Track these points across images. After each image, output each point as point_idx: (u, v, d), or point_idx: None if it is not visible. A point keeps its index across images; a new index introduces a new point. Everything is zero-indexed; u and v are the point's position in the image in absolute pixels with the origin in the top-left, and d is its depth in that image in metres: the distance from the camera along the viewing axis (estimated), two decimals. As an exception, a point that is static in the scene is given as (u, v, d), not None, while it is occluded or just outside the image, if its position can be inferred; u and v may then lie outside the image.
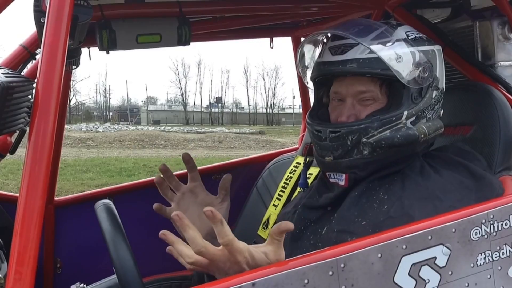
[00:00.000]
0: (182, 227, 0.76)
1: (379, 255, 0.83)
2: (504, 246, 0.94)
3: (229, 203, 1.06)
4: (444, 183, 0.96)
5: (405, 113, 0.96)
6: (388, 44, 0.96)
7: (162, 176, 1.04)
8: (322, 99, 1.10)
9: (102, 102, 50.20)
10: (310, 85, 1.14)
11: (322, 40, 1.09)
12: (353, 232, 0.93)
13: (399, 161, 1.00)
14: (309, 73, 1.14)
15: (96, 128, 22.90)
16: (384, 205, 0.94)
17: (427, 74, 0.98)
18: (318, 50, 1.11)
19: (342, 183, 1.00)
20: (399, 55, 0.95)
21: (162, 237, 0.78)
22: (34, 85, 0.75)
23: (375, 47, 0.94)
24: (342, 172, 0.99)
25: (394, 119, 0.95)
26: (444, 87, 1.05)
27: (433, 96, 1.01)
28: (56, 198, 1.77)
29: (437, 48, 1.04)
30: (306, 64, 1.16)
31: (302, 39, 1.91)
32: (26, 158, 0.70)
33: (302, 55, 1.16)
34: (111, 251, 0.87)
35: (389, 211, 0.93)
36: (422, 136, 0.97)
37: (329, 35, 1.07)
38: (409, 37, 1.00)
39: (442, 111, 1.06)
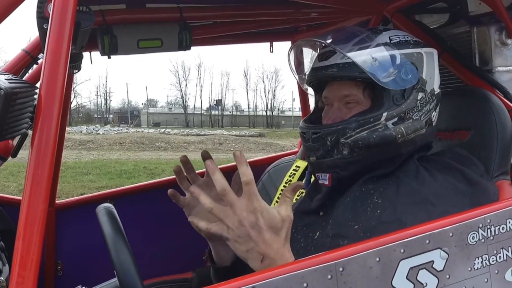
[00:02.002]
0: (212, 170, 0.82)
1: (377, 259, 0.84)
2: (501, 250, 0.95)
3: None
4: (438, 188, 0.97)
5: (385, 114, 0.99)
6: (366, 49, 1.00)
7: (181, 166, 1.07)
8: (318, 104, 1.14)
9: (103, 105, 50.28)
10: (310, 91, 1.18)
11: (317, 47, 1.14)
12: (345, 236, 0.94)
13: (387, 162, 1.01)
14: (302, 78, 1.20)
15: (97, 131, 22.90)
16: (377, 210, 0.95)
17: (410, 76, 1.00)
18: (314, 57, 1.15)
19: (326, 182, 1.04)
20: (375, 58, 0.99)
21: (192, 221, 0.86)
22: (37, 90, 0.76)
23: (351, 53, 0.99)
24: (325, 172, 1.04)
25: (372, 120, 0.98)
26: (435, 89, 1.06)
27: (418, 98, 1.02)
28: (57, 201, 1.78)
29: (426, 51, 1.05)
30: (305, 71, 1.20)
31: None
32: (29, 162, 0.71)
33: (299, 63, 1.21)
34: (112, 254, 0.88)
35: (381, 216, 0.94)
36: (399, 136, 0.99)
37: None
38: (392, 41, 1.03)
39: (435, 113, 1.07)
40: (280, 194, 1.75)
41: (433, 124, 1.07)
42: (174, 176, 1.16)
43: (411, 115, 1.01)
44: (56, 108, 0.73)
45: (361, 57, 0.99)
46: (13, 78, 0.80)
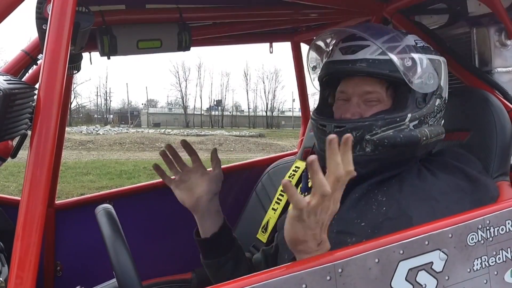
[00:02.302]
0: (315, 171, 0.77)
1: (376, 260, 0.84)
2: (501, 251, 0.95)
3: (220, 172, 1.16)
4: (441, 185, 0.98)
5: (409, 115, 0.99)
6: (398, 48, 0.99)
7: (167, 151, 1.16)
8: (328, 100, 1.13)
9: (103, 105, 50.30)
10: (316, 85, 1.16)
11: (332, 41, 1.13)
12: (352, 233, 0.94)
13: (399, 164, 1.01)
14: (316, 73, 1.17)
15: (97, 131, 22.90)
16: (382, 207, 0.96)
17: (432, 82, 1.01)
18: (327, 51, 1.13)
19: None
20: (409, 59, 0.99)
21: (287, 185, 0.78)
22: (36, 91, 0.76)
23: (387, 49, 0.98)
24: None
25: (398, 119, 0.98)
26: (446, 98, 1.08)
27: (436, 104, 1.04)
28: (56, 202, 1.77)
29: (442, 59, 1.07)
30: (314, 64, 1.19)
31: (302, 44, 1.93)
32: (28, 163, 0.71)
33: (312, 55, 1.19)
34: (111, 255, 0.88)
35: (388, 213, 0.94)
36: (424, 138, 0.99)
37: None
38: (418, 45, 1.03)
39: (443, 121, 1.09)
40: (278, 197, 1.75)
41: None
42: (174, 177, 1.19)
43: (428, 120, 1.02)
44: (55, 108, 0.73)
45: (397, 55, 0.98)
46: (12, 79, 0.80)
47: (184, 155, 1.22)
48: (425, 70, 1.00)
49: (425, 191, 0.96)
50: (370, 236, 0.91)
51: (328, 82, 1.11)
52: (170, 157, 1.15)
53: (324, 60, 1.11)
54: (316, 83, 1.15)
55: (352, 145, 0.94)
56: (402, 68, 0.97)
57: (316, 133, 1.06)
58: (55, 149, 0.73)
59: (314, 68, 1.18)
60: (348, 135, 0.79)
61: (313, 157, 0.76)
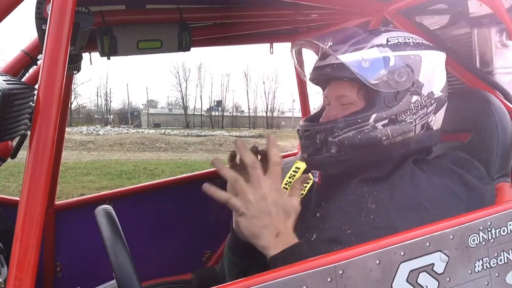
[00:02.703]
0: (240, 147, 0.89)
1: (377, 262, 0.83)
2: (502, 252, 0.95)
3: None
4: (433, 192, 0.96)
5: (374, 115, 0.99)
6: (360, 51, 1.00)
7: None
8: (323, 103, 1.15)
9: (103, 105, 50.31)
10: (319, 89, 1.18)
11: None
12: (339, 241, 0.94)
13: (378, 164, 1.01)
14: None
15: (97, 131, 22.90)
16: (370, 215, 0.95)
17: (404, 79, 1.00)
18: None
19: (316, 179, 1.07)
20: (366, 59, 0.99)
21: (205, 187, 0.88)
22: (35, 91, 0.75)
23: (342, 55, 1.00)
24: (315, 169, 1.07)
25: (360, 120, 0.99)
26: (434, 92, 1.04)
27: (412, 101, 1.01)
28: (56, 202, 1.77)
29: (427, 53, 1.04)
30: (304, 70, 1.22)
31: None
32: (27, 163, 0.71)
33: (302, 62, 1.22)
34: (111, 257, 0.87)
35: (374, 222, 0.94)
36: (384, 138, 0.98)
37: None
38: (389, 43, 1.02)
39: (434, 117, 1.05)
40: (288, 185, 1.75)
41: (433, 128, 1.06)
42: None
43: (404, 117, 1.01)
44: (54, 109, 0.73)
45: (352, 58, 0.99)
46: (11, 79, 0.80)
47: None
48: (392, 68, 0.99)
49: (415, 199, 0.95)
50: (353, 244, 0.89)
51: (322, 86, 1.15)
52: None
53: None
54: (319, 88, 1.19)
55: (318, 147, 1.02)
56: (357, 70, 0.98)
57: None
58: (54, 150, 0.73)
59: (304, 71, 1.23)
60: (271, 135, 0.88)
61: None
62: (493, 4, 1.23)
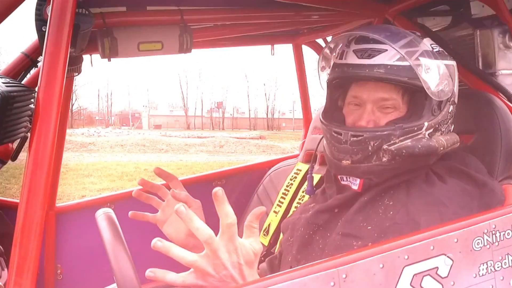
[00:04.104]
0: (188, 218, 0.77)
1: (381, 266, 0.83)
2: (506, 256, 0.94)
3: (198, 202, 1.09)
4: (448, 190, 0.96)
5: (426, 124, 0.96)
6: (416, 53, 0.95)
7: (140, 189, 1.10)
8: (337, 102, 1.08)
9: (104, 107, 50.35)
10: (324, 86, 1.11)
11: (344, 42, 1.06)
12: (358, 237, 0.93)
13: (410, 171, 0.99)
14: (326, 73, 1.11)
15: (98, 133, 22.93)
16: (389, 211, 0.94)
17: (448, 88, 0.98)
18: (337, 51, 1.07)
19: (355, 187, 0.99)
20: (428, 65, 0.95)
21: (157, 245, 0.79)
22: (35, 93, 0.75)
23: (406, 55, 0.94)
24: (357, 177, 0.98)
25: (415, 128, 0.95)
26: (455, 101, 1.04)
27: (450, 111, 1.01)
28: (57, 205, 1.76)
29: (454, 63, 1.04)
30: (323, 65, 1.12)
31: (303, 46, 1.93)
32: (27, 166, 0.70)
33: (323, 56, 1.12)
34: (111, 260, 0.87)
35: (395, 217, 0.93)
36: (441, 148, 0.97)
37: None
38: (434, 50, 0.99)
39: (453, 127, 1.06)
40: (280, 199, 1.74)
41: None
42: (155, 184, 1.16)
43: (441, 127, 1.00)
44: (54, 111, 0.72)
45: (416, 61, 0.94)
46: (11, 81, 0.80)
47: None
48: (442, 77, 0.97)
49: (433, 195, 0.94)
50: (376, 240, 0.90)
51: (338, 84, 1.07)
52: (146, 193, 1.10)
53: (334, 61, 1.06)
54: (324, 85, 1.11)
55: (369, 155, 0.95)
56: (422, 75, 0.94)
57: (329, 140, 1.01)
58: (55, 152, 0.72)
59: (323, 68, 1.12)
60: (217, 189, 0.77)
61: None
62: (495, 5, 1.22)
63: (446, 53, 1.03)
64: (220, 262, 0.77)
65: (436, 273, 0.87)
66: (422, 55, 0.96)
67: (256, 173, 1.97)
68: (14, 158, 1.15)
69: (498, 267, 0.93)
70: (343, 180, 1.02)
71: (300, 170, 1.77)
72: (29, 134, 0.80)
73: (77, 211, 1.81)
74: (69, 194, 6.82)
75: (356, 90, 1.01)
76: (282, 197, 1.74)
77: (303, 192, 1.69)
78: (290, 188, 1.74)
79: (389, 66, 0.95)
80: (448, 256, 0.88)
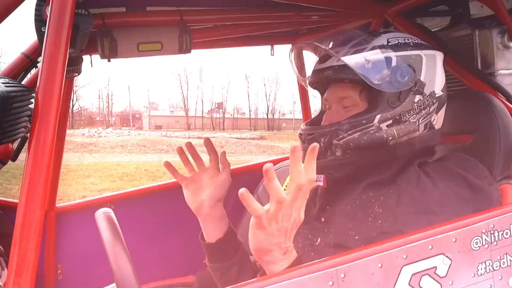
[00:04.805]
0: (272, 176, 0.80)
1: (379, 265, 0.83)
2: (505, 255, 0.94)
3: (228, 177, 1.17)
4: (440, 196, 0.96)
5: (378, 116, 0.98)
6: (362, 52, 1.00)
7: (186, 149, 1.18)
8: (322, 106, 1.14)
9: (105, 108, 50.38)
10: (317, 93, 1.17)
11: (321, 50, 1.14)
12: (346, 247, 0.93)
13: (383, 166, 1.00)
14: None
15: (99, 133, 22.95)
16: (378, 220, 0.94)
17: (406, 79, 0.99)
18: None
19: (321, 183, 1.04)
20: (368, 60, 0.99)
21: (244, 195, 0.80)
22: (34, 94, 0.75)
23: (345, 56, 1.00)
24: (320, 173, 1.03)
25: (364, 121, 0.98)
26: (436, 92, 1.04)
27: (415, 101, 1.01)
28: (57, 205, 1.77)
29: (427, 53, 1.04)
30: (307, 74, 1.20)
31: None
32: (26, 167, 0.70)
33: (301, 65, 1.22)
34: (110, 261, 0.87)
35: (383, 226, 0.93)
36: (390, 138, 0.98)
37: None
38: (390, 43, 1.02)
39: (436, 117, 1.05)
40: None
41: (435, 128, 1.05)
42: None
43: (408, 117, 1.00)
44: (53, 112, 0.72)
45: (355, 59, 0.99)
46: (10, 81, 0.80)
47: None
48: (394, 68, 0.99)
49: (423, 203, 0.95)
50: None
51: (320, 89, 1.14)
52: (187, 154, 1.17)
53: None
54: (316, 92, 1.18)
55: (323, 150, 1.00)
56: (360, 70, 0.98)
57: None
58: (55, 152, 0.73)
59: (302, 75, 1.23)
60: (315, 144, 0.80)
61: (268, 165, 0.79)
62: (494, 5, 1.22)
63: (412, 44, 1.04)
64: (289, 213, 0.81)
65: (435, 272, 0.87)
66: (366, 52, 1.00)
67: (256, 173, 1.97)
68: (14, 158, 1.15)
69: (496, 267, 0.93)
70: (317, 180, 1.05)
71: (300, 171, 1.77)
72: (29, 135, 0.80)
73: (77, 211, 1.81)
74: (70, 194, 6.83)
75: (326, 93, 1.10)
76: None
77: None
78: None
79: (336, 67, 1.02)
80: (446, 256, 0.88)
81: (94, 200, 1.92)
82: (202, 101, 49.39)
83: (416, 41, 1.06)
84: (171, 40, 1.33)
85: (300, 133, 1.08)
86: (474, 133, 1.17)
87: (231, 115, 50.49)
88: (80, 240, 1.76)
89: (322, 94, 1.14)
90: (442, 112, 1.08)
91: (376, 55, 1.00)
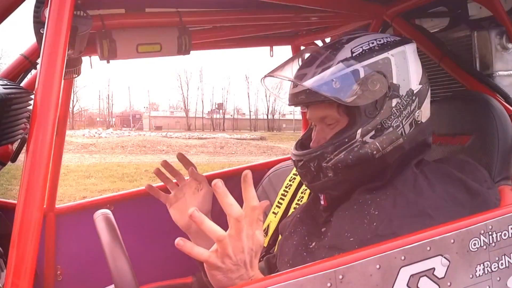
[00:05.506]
0: (223, 193, 0.78)
1: (378, 266, 0.83)
2: (503, 256, 0.94)
3: (210, 189, 1.13)
4: (436, 199, 0.95)
5: (359, 131, 0.97)
6: (327, 70, 0.98)
7: (161, 168, 1.19)
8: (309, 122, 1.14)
9: (105, 108, 50.41)
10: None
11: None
12: (340, 248, 0.93)
13: (377, 175, 0.99)
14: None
15: (99, 134, 22.96)
16: (373, 222, 0.93)
17: (378, 86, 0.97)
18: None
19: (322, 202, 1.06)
20: (335, 80, 0.96)
21: (194, 215, 0.79)
22: (33, 95, 0.75)
23: (308, 81, 0.98)
24: (319, 194, 1.06)
25: (346, 140, 0.97)
26: (413, 88, 1.00)
27: (393, 105, 0.98)
28: (57, 206, 1.77)
29: (393, 52, 0.99)
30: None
31: (302, 47, 1.93)
32: (24, 169, 0.70)
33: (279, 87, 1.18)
34: (109, 262, 0.87)
35: (378, 229, 0.92)
36: (375, 152, 0.97)
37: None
38: (354, 54, 0.99)
39: (419, 112, 1.02)
40: (279, 200, 1.74)
41: (422, 121, 1.02)
42: (175, 181, 1.19)
43: (390, 123, 0.98)
44: (52, 113, 0.72)
45: (320, 82, 0.97)
46: (9, 83, 0.80)
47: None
48: (362, 80, 0.96)
49: (419, 206, 0.94)
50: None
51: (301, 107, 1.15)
52: (166, 173, 1.18)
53: None
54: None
55: (315, 174, 1.00)
56: (329, 93, 0.95)
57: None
58: (55, 153, 0.73)
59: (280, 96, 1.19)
60: (246, 171, 0.79)
61: (216, 181, 0.77)
62: (493, 6, 1.22)
63: (376, 48, 0.99)
64: (240, 245, 0.79)
65: (433, 273, 0.87)
66: (330, 70, 0.97)
67: (256, 174, 1.96)
68: (13, 159, 1.15)
69: (495, 268, 0.93)
70: (320, 199, 1.08)
71: (299, 172, 1.77)
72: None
73: (77, 212, 1.81)
74: (70, 195, 6.83)
75: (308, 113, 1.08)
76: (281, 198, 1.75)
77: (302, 193, 1.70)
78: (289, 189, 1.75)
79: (307, 91, 0.99)
80: (444, 257, 0.88)
81: (93, 201, 1.92)
82: (202, 101, 49.43)
83: (382, 41, 1.01)
84: (170, 42, 1.34)
85: (292, 159, 1.07)
86: (472, 134, 1.17)
87: (231, 115, 50.50)
88: (80, 241, 1.76)
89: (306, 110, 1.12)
90: (427, 103, 1.04)
91: (341, 71, 0.97)
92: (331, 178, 0.99)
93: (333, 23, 1.61)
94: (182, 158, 1.18)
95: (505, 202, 1.01)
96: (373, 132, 0.97)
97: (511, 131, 1.12)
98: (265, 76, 1.12)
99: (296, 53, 1.96)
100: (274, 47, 1.88)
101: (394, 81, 0.98)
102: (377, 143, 0.97)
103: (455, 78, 1.32)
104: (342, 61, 0.98)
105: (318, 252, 0.98)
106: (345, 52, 1.00)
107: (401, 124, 0.99)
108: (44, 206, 1.71)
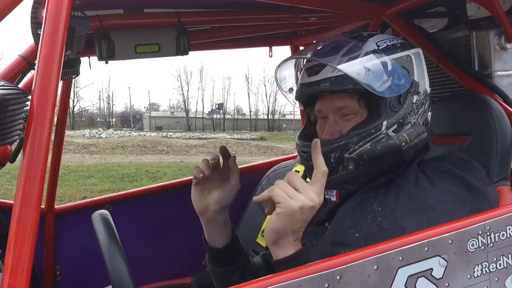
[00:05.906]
0: (318, 150, 0.90)
1: (375, 267, 0.83)
2: (501, 257, 0.94)
3: (238, 183, 1.13)
4: (438, 194, 0.96)
5: (385, 123, 0.97)
6: (356, 59, 0.97)
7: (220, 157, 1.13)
8: (311, 118, 1.12)
9: (105, 109, 50.43)
10: (300, 105, 1.15)
11: (300, 61, 1.12)
12: (346, 244, 0.93)
13: (390, 170, 1.00)
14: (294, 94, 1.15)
15: (99, 134, 22.97)
16: (377, 217, 0.94)
17: (403, 81, 0.98)
18: (298, 71, 1.13)
19: (333, 199, 1.02)
20: (368, 68, 0.96)
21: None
22: (30, 96, 0.75)
23: (342, 66, 0.96)
24: (332, 189, 1.01)
25: (373, 131, 0.96)
26: (427, 89, 1.04)
27: (414, 101, 1.00)
28: (56, 206, 1.77)
29: (413, 52, 1.03)
30: (291, 87, 1.17)
31: (301, 47, 1.93)
32: (21, 169, 0.70)
33: (284, 78, 1.16)
34: (107, 262, 0.87)
35: (382, 223, 0.93)
36: (404, 144, 0.97)
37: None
38: (380, 47, 1.00)
39: (430, 114, 1.05)
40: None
41: (429, 124, 1.05)
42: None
43: (409, 119, 1.00)
44: (49, 114, 0.72)
45: (354, 68, 0.96)
46: (6, 84, 0.80)
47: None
48: (390, 72, 0.97)
49: (422, 200, 0.95)
50: (361, 247, 0.88)
51: (307, 101, 1.11)
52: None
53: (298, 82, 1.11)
54: (297, 103, 1.15)
55: (334, 166, 0.98)
56: (363, 80, 0.95)
57: (301, 159, 1.07)
58: (54, 154, 0.73)
59: (291, 90, 1.17)
60: (316, 140, 0.91)
61: (316, 140, 0.90)
62: (491, 6, 1.22)
63: (398, 45, 1.02)
64: (313, 204, 0.86)
65: (431, 274, 0.87)
66: (362, 59, 0.97)
67: (255, 174, 1.97)
68: (12, 160, 1.15)
69: (493, 269, 0.93)
70: (326, 194, 1.04)
71: (298, 171, 1.77)
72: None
73: (76, 213, 1.81)
74: (70, 195, 6.82)
75: (318, 104, 1.05)
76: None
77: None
78: (288, 189, 1.74)
79: (332, 79, 0.98)
80: (442, 258, 0.88)
81: (93, 201, 1.92)
82: (203, 101, 49.42)
83: (401, 41, 1.05)
84: (169, 42, 1.33)
85: (302, 151, 1.04)
86: (471, 134, 1.17)
87: (232, 116, 50.49)
88: (79, 241, 1.76)
89: (309, 105, 1.10)
90: (431, 107, 1.07)
91: (372, 61, 0.97)
92: (351, 171, 0.97)
93: (332, 24, 1.61)
94: (224, 152, 1.12)
95: (503, 202, 1.01)
96: (395, 126, 0.98)
97: (509, 132, 1.12)
98: (289, 58, 1.10)
99: (296, 53, 1.96)
100: (274, 48, 1.88)
101: (415, 78, 1.01)
102: (405, 135, 0.97)
103: (454, 78, 1.32)
104: (370, 52, 0.99)
105: (321, 248, 0.98)
106: (370, 44, 1.01)
107: (417, 122, 1.01)
108: (44, 206, 1.71)
